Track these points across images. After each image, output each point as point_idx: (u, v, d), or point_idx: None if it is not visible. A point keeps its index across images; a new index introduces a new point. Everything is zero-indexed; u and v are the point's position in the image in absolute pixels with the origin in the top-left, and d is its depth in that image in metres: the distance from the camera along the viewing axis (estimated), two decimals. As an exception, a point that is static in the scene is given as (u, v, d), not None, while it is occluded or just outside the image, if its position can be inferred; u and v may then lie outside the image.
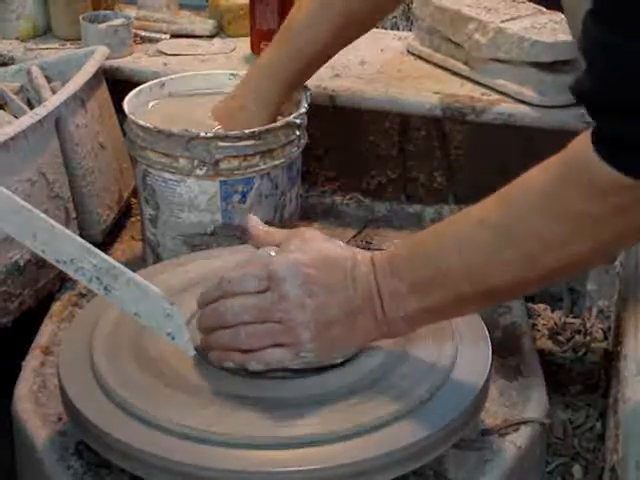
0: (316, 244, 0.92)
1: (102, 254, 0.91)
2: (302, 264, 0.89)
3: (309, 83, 1.30)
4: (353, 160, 1.55)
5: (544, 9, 1.45)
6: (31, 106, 1.36)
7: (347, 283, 0.89)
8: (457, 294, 0.86)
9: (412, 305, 0.88)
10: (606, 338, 1.27)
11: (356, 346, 0.93)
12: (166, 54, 1.61)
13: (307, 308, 0.89)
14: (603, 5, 0.74)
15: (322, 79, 1.43)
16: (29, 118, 1.21)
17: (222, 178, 1.20)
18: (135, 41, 1.63)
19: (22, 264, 1.18)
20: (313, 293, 0.89)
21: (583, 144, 0.78)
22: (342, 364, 0.94)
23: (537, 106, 1.35)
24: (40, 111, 1.23)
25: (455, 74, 1.46)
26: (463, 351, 0.96)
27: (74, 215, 1.29)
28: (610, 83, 0.74)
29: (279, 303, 0.89)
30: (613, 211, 0.77)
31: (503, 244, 0.83)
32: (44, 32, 1.69)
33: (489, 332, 1.00)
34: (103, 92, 1.42)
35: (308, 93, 1.29)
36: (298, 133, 1.24)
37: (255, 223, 0.98)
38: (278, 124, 1.22)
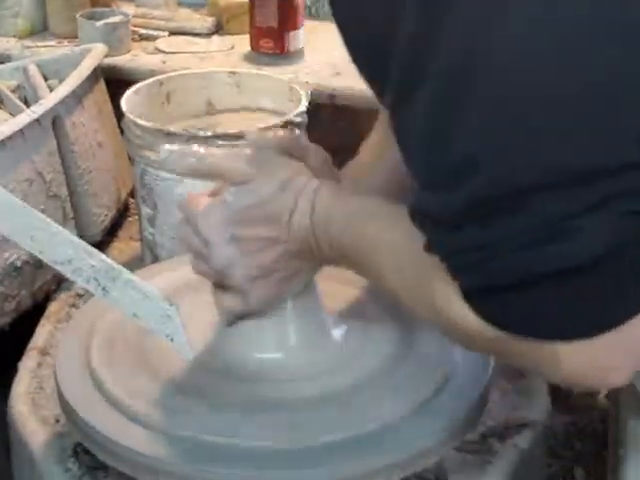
0: (258, 193, 0.89)
1: (100, 254, 0.91)
2: (231, 220, 0.88)
3: (309, 82, 1.29)
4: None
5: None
6: (28, 104, 1.36)
7: (282, 233, 0.88)
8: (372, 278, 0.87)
9: (344, 263, 0.87)
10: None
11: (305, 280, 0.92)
12: (164, 52, 1.61)
13: (234, 260, 0.88)
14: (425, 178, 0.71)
15: (322, 78, 1.43)
16: (26, 116, 1.21)
17: (221, 177, 1.19)
18: (133, 39, 1.63)
19: (19, 265, 1.18)
20: (240, 247, 0.88)
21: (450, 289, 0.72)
22: (340, 365, 0.93)
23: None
24: (37, 109, 1.23)
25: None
26: (465, 352, 0.95)
27: (71, 215, 1.28)
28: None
29: (205, 248, 0.89)
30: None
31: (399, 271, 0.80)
32: (41, 30, 1.69)
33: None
34: (101, 90, 1.41)
35: (308, 92, 1.28)
36: (298, 132, 1.23)
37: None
38: (278, 123, 1.21)
